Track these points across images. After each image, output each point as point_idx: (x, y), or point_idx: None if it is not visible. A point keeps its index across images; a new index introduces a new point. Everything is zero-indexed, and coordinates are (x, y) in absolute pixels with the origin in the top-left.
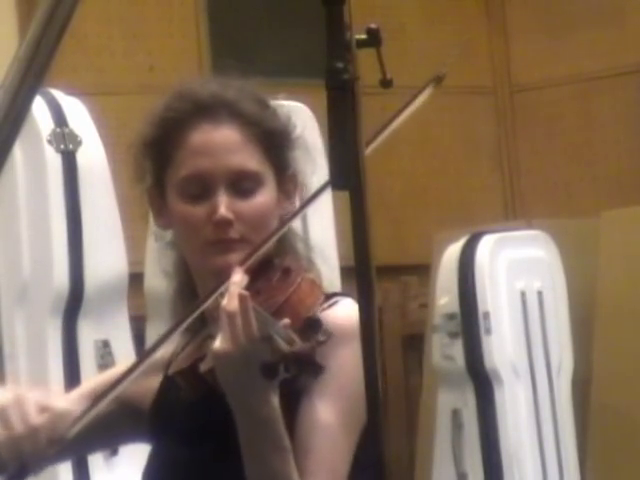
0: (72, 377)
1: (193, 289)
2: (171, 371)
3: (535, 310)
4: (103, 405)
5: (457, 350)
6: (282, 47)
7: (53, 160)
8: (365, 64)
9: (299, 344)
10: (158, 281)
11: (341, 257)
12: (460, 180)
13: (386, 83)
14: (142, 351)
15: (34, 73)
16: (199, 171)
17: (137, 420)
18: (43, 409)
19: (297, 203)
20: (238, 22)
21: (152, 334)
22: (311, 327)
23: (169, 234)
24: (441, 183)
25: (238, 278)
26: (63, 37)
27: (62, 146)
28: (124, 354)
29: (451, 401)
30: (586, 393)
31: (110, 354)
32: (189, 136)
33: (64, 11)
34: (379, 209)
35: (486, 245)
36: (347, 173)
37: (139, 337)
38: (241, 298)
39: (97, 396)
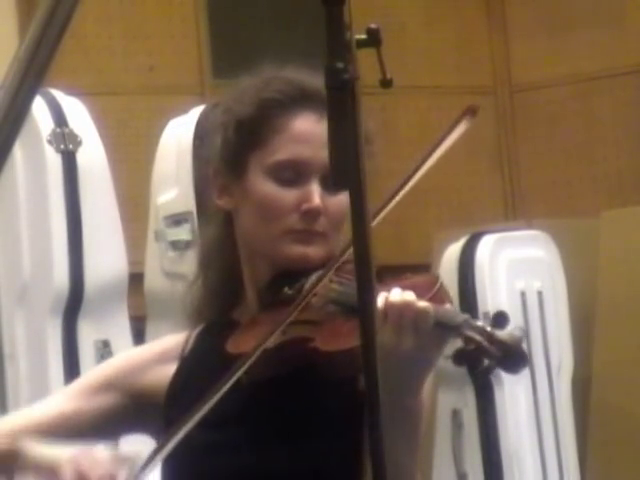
0: (72, 377)
1: (235, 279)
2: (235, 350)
3: (535, 310)
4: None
5: None
6: (282, 47)
7: (53, 160)
8: (365, 64)
9: (501, 336)
10: (158, 281)
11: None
12: (460, 180)
13: (386, 83)
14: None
15: (34, 73)
16: (298, 158)
17: (146, 412)
18: (113, 456)
19: None
20: (238, 22)
21: (152, 334)
22: (501, 322)
23: (170, 234)
24: (441, 183)
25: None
26: (63, 37)
27: (62, 146)
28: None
29: (451, 401)
30: (586, 393)
31: (110, 354)
32: (292, 122)
33: (64, 11)
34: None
35: (486, 245)
36: (347, 173)
37: (139, 337)
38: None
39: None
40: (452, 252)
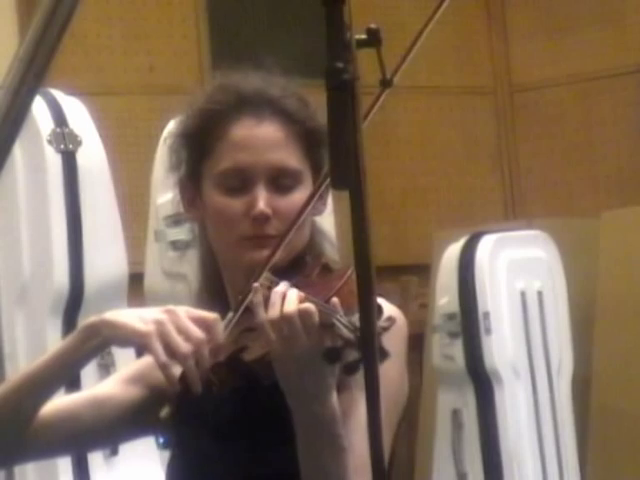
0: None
1: (220, 284)
2: None
3: (535, 310)
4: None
5: (457, 350)
6: (282, 47)
7: (53, 160)
8: (365, 64)
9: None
10: (158, 281)
11: (341, 257)
12: (460, 180)
13: (386, 83)
14: None
15: (34, 73)
16: (240, 165)
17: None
18: (196, 320)
19: (328, 204)
20: (238, 22)
21: None
22: None
23: (170, 234)
24: (441, 183)
25: (283, 287)
26: (63, 37)
27: (62, 146)
28: (124, 354)
29: (451, 401)
30: (586, 393)
31: (110, 354)
32: (231, 129)
33: (64, 11)
34: (379, 209)
35: (486, 245)
36: (347, 173)
37: None
38: (299, 299)
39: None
40: (452, 252)
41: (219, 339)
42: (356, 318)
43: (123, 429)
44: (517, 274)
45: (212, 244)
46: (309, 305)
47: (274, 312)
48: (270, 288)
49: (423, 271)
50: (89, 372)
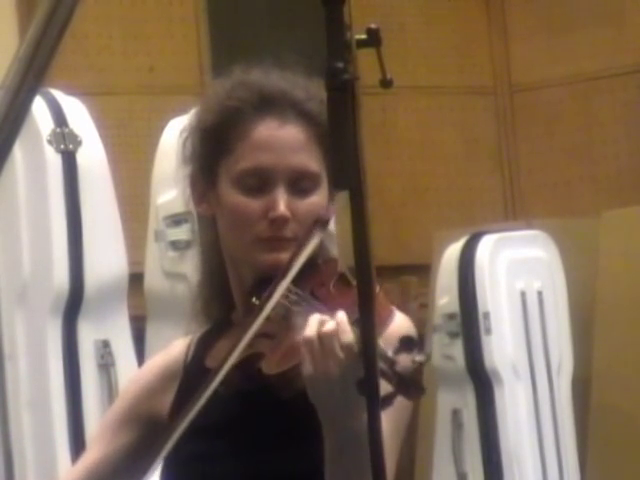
0: (72, 377)
1: (223, 280)
2: (211, 365)
3: (535, 310)
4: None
5: (457, 350)
6: (282, 47)
7: (53, 160)
8: (365, 64)
9: (400, 364)
10: (158, 281)
11: (341, 257)
12: (460, 180)
13: (386, 83)
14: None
15: (34, 73)
16: (261, 166)
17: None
18: None
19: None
20: (238, 22)
21: (152, 334)
22: (407, 346)
23: (170, 234)
24: (441, 183)
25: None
26: (63, 37)
27: (62, 146)
28: (124, 354)
29: (451, 401)
30: (586, 393)
31: (110, 354)
32: (253, 129)
33: (64, 11)
34: (379, 209)
35: (486, 245)
36: (347, 173)
37: (139, 337)
38: (339, 324)
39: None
40: (452, 252)
41: None
42: (391, 350)
43: (138, 472)
44: (517, 274)
45: (222, 240)
46: (349, 334)
47: (311, 331)
48: (288, 297)
49: (423, 271)
50: (89, 374)
